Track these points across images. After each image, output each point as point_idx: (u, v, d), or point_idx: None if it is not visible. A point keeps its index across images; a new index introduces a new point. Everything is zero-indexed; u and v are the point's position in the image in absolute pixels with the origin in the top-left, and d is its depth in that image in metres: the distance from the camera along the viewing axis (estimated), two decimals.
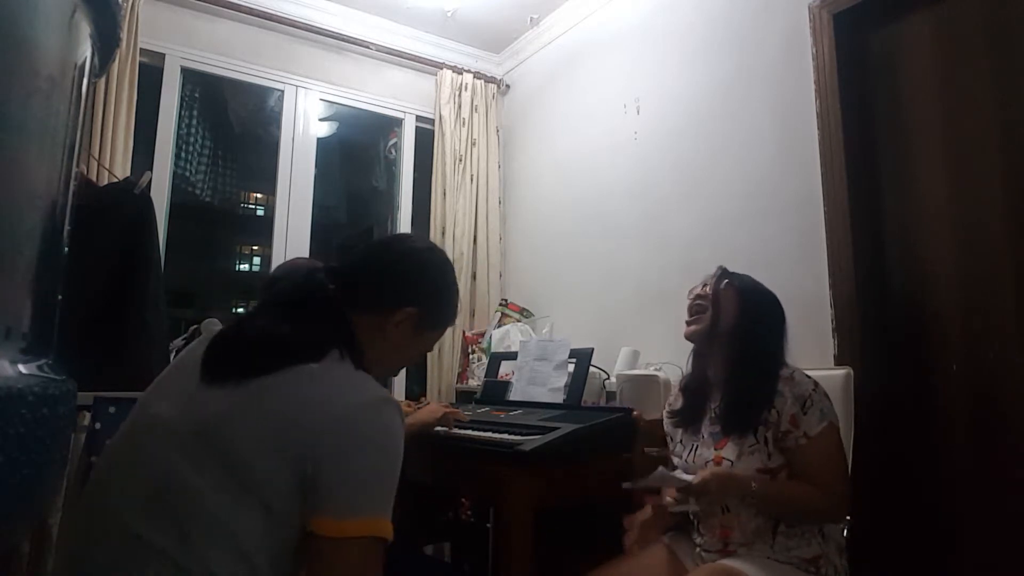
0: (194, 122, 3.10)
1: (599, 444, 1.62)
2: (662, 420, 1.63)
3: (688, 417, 1.50)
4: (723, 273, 1.49)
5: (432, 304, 1.06)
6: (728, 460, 1.35)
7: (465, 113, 3.36)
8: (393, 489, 0.85)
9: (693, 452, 1.45)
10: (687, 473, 1.42)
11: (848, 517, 1.38)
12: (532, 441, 1.48)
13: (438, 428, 1.67)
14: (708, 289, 1.48)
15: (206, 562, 0.77)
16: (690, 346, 1.58)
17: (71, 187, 0.94)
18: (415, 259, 1.07)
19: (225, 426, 0.83)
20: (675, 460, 1.51)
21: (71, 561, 0.86)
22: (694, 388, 1.52)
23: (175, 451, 0.83)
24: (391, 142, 3.54)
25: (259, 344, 0.89)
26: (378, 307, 1.00)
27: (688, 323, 1.49)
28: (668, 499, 1.40)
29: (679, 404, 1.55)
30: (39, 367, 0.84)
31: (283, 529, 0.82)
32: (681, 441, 1.51)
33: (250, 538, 0.80)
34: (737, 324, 1.42)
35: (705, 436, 1.44)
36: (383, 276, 1.03)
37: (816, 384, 1.36)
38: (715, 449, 1.39)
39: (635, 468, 1.60)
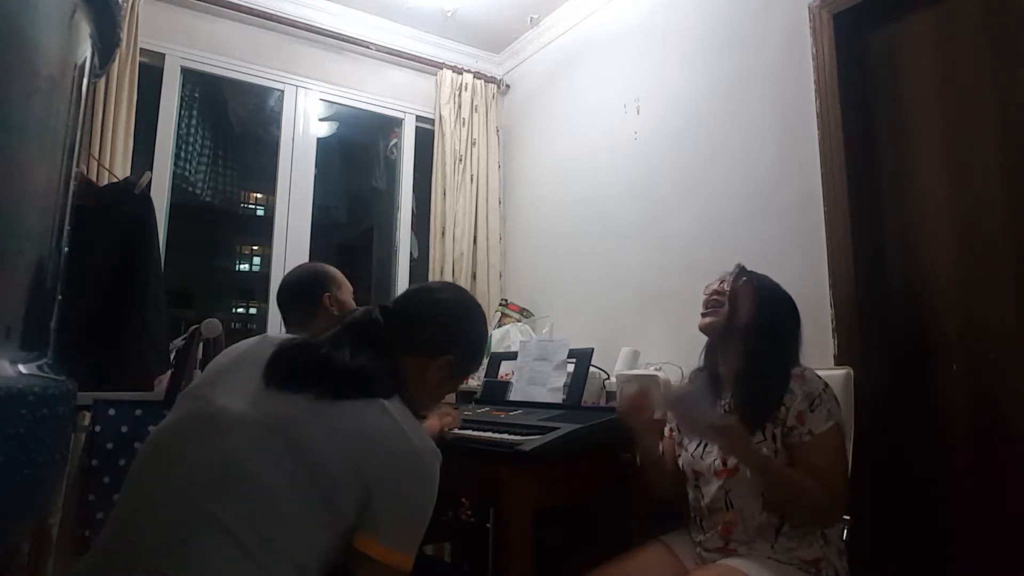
0: (194, 122, 3.10)
1: (599, 444, 1.62)
2: (662, 420, 1.63)
3: None
4: (741, 271, 1.50)
5: (469, 355, 1.17)
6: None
7: (465, 113, 3.36)
8: (423, 532, 0.96)
9: (703, 447, 1.45)
10: (695, 468, 1.45)
11: (848, 517, 1.38)
12: (532, 441, 1.48)
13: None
14: (726, 285, 1.49)
15: (268, 547, 0.82)
16: (693, 346, 1.59)
17: (71, 187, 0.94)
18: (463, 313, 1.18)
19: (304, 427, 0.89)
20: (684, 453, 1.51)
21: (118, 536, 0.88)
22: (705, 385, 1.52)
23: (248, 442, 0.88)
24: (391, 142, 3.54)
25: (343, 372, 0.97)
26: (425, 351, 1.09)
27: (704, 315, 1.50)
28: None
29: None
30: (39, 367, 0.84)
31: (334, 532, 0.88)
32: (688, 435, 1.51)
33: (308, 533, 0.86)
34: (753, 321, 1.43)
35: None
36: (434, 324, 1.13)
37: (826, 385, 1.37)
38: None
39: (636, 468, 1.60)
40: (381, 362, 1.00)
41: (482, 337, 1.23)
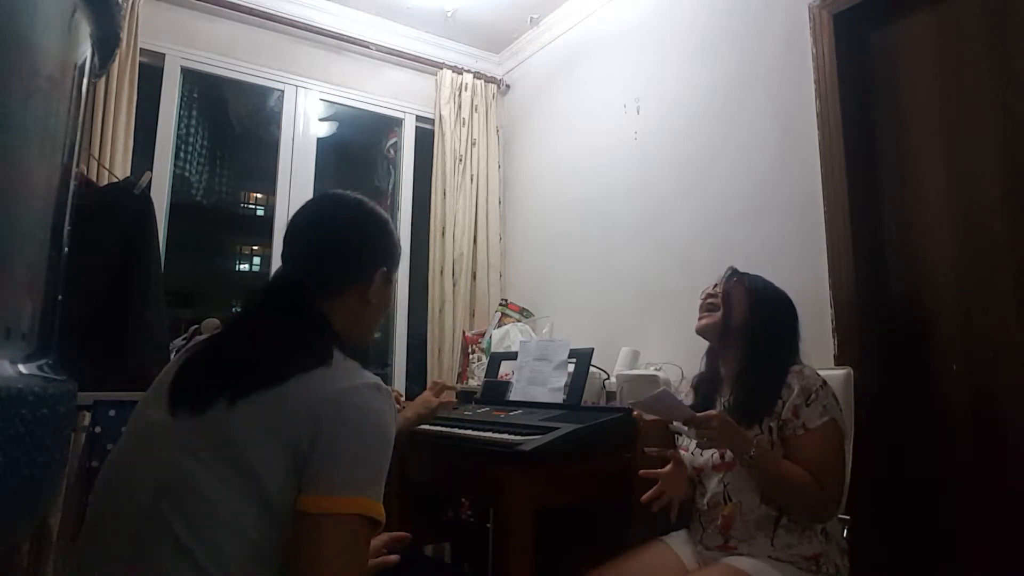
0: (194, 122, 3.09)
1: (599, 444, 1.62)
2: (662, 420, 1.63)
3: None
4: (733, 272, 1.53)
5: (392, 253, 1.10)
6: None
7: (465, 113, 3.36)
8: (383, 471, 0.86)
9: None
10: (695, 464, 1.46)
11: (848, 516, 1.39)
12: (532, 441, 1.48)
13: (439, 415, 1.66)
14: (719, 288, 1.51)
15: (216, 555, 0.78)
16: (694, 346, 1.60)
17: (71, 187, 0.94)
18: (369, 225, 1.09)
19: (225, 422, 0.83)
20: (682, 454, 1.52)
21: (82, 554, 0.87)
22: (706, 385, 1.55)
23: (178, 450, 0.83)
24: (391, 142, 3.54)
25: (262, 365, 0.88)
26: (357, 283, 1.03)
27: (700, 318, 1.52)
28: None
29: (690, 401, 1.56)
30: (39, 367, 0.84)
31: (286, 524, 0.82)
32: (687, 435, 1.52)
33: (256, 530, 0.81)
34: (748, 321, 1.45)
35: None
36: (355, 255, 1.05)
37: (825, 382, 1.38)
38: None
39: (636, 468, 1.60)
40: (308, 329, 0.93)
41: (391, 228, 1.12)
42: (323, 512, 0.79)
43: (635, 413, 1.67)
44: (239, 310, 1.04)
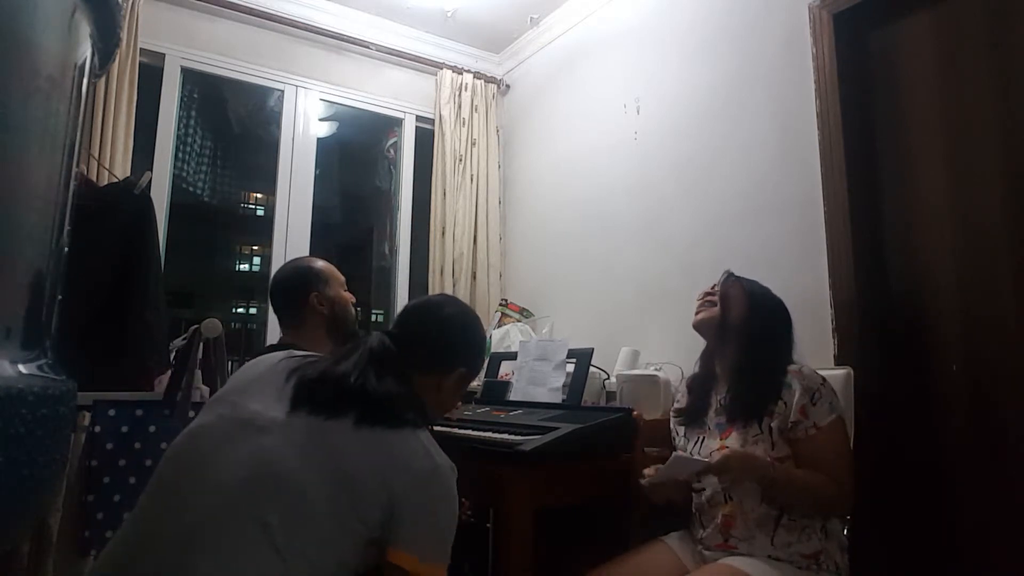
0: (194, 122, 3.09)
1: (599, 444, 1.62)
2: (662, 420, 1.64)
3: (693, 412, 1.53)
4: (730, 275, 1.55)
5: (476, 362, 1.26)
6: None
7: (465, 113, 3.36)
8: (451, 542, 1.00)
9: (699, 444, 1.47)
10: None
11: (848, 516, 1.39)
12: (532, 441, 1.48)
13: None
14: (716, 288, 1.54)
15: (293, 546, 0.85)
16: (694, 346, 1.61)
17: (71, 187, 0.94)
18: (468, 325, 1.24)
19: (339, 440, 0.93)
20: (681, 454, 1.52)
21: (144, 530, 0.89)
22: (700, 384, 1.55)
23: (286, 445, 0.92)
24: (391, 142, 3.54)
25: (378, 401, 1.00)
26: (438, 369, 1.16)
27: (697, 312, 1.54)
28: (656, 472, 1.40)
29: (684, 401, 1.57)
30: (39, 367, 0.84)
31: (354, 541, 0.91)
32: (685, 436, 1.54)
33: (331, 537, 0.89)
34: (745, 320, 1.47)
35: (711, 427, 1.47)
36: (444, 343, 1.18)
37: (824, 380, 1.40)
38: (720, 439, 1.42)
39: (636, 468, 1.61)
40: (405, 389, 1.05)
41: (484, 342, 1.30)
42: (415, 572, 0.92)
43: (635, 413, 1.67)
44: (353, 346, 1.12)
